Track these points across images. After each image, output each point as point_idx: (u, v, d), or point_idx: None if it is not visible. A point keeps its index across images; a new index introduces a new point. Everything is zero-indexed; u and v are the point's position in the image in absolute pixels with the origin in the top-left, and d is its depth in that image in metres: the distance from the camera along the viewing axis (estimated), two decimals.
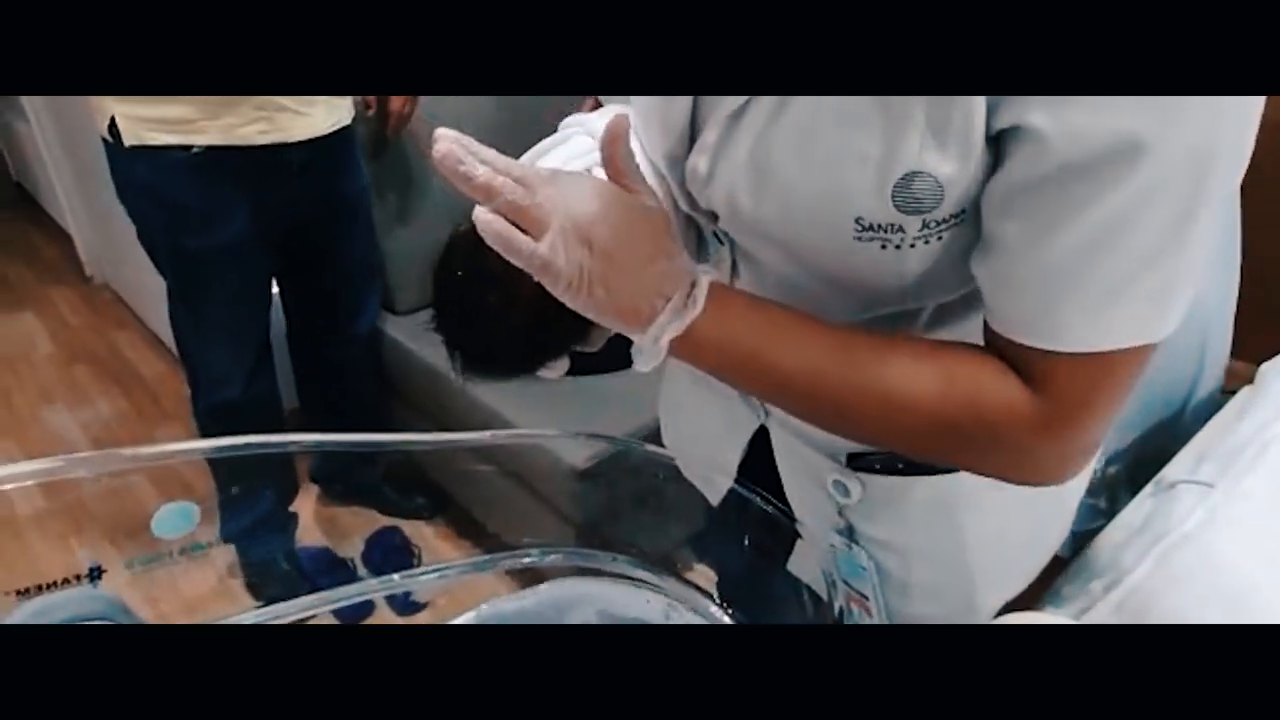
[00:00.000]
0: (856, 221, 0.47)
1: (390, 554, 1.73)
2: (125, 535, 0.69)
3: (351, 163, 1.53)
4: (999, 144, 0.44)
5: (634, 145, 0.61)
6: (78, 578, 0.62)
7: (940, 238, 0.47)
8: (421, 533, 1.82)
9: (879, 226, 0.47)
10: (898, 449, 0.56)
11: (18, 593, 0.59)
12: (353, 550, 1.75)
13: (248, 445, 0.69)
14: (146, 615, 0.69)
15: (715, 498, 0.82)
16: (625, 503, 1.22)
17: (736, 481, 0.75)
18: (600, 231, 0.47)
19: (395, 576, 0.86)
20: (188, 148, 1.29)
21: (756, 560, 0.80)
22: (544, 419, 1.47)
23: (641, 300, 0.48)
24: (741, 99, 0.50)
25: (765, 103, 0.49)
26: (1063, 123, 0.40)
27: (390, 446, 0.88)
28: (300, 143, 1.37)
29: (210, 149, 1.30)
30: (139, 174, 1.32)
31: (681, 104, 0.54)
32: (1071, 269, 0.43)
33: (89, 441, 2.09)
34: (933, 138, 0.44)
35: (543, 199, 0.46)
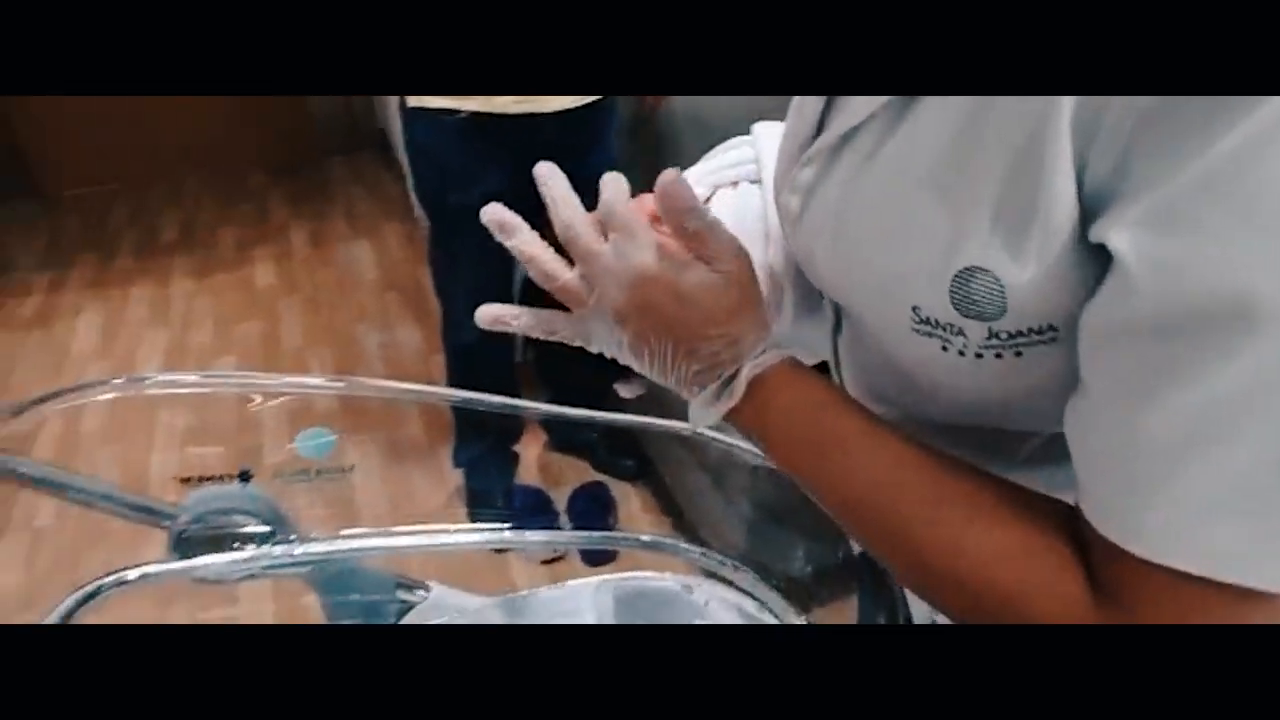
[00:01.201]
0: (914, 311, 0.41)
1: (592, 505, 1.84)
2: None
3: (604, 137, 1.60)
4: (1100, 263, 0.34)
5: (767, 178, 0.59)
6: (230, 476, 0.73)
7: (1019, 353, 0.39)
8: (624, 491, 1.90)
9: (936, 323, 0.40)
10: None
11: (182, 480, 0.72)
12: (561, 495, 1.88)
13: (467, 399, 0.81)
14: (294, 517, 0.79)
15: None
16: (792, 510, 1.19)
17: None
18: (633, 319, 0.46)
19: (590, 534, 0.92)
20: (455, 112, 1.43)
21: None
22: None
23: (678, 382, 0.47)
24: (839, 134, 0.45)
25: (863, 143, 0.44)
26: (1149, 255, 0.31)
27: (577, 419, 0.93)
28: (554, 114, 1.47)
29: (474, 114, 1.44)
30: (417, 132, 1.50)
31: (802, 135, 0.50)
32: (1164, 456, 0.33)
33: (382, 360, 2.43)
34: (1004, 231, 0.36)
35: (574, 278, 0.48)
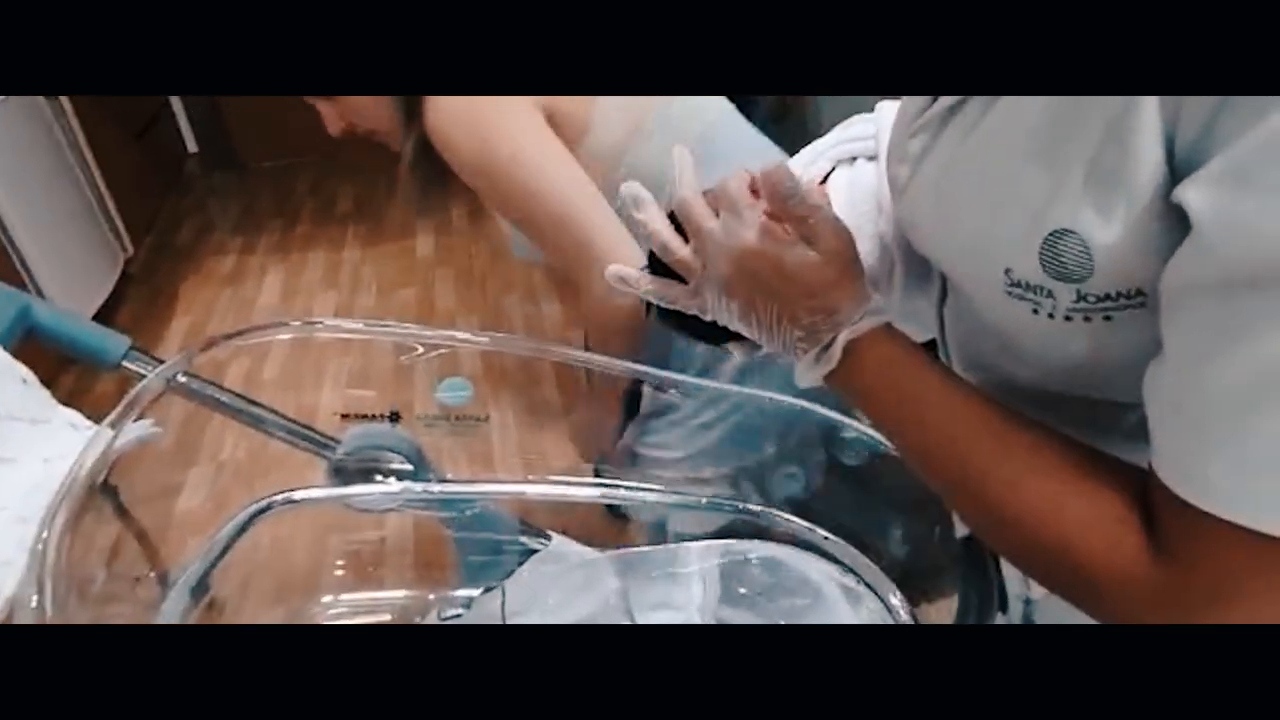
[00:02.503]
0: (1006, 273, 0.43)
1: None
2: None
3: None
4: (1184, 227, 0.35)
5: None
6: (381, 416, 0.82)
7: (1108, 318, 0.40)
8: None
9: (1027, 285, 0.42)
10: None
11: (341, 416, 0.82)
12: None
13: (597, 361, 0.94)
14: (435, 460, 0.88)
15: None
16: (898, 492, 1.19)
17: None
18: (740, 289, 0.50)
19: (701, 499, 0.98)
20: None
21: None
22: None
23: (783, 346, 0.51)
24: (947, 106, 0.48)
25: (969, 114, 0.47)
26: (1220, 213, 0.32)
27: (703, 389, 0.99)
28: None
29: None
30: None
31: (915, 108, 0.53)
32: (1233, 411, 0.34)
33: (525, 331, 2.56)
34: (1093, 194, 0.38)
35: (687, 252, 0.53)
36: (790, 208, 0.48)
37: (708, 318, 0.55)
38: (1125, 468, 0.41)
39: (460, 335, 0.86)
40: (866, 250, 0.64)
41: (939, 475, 0.46)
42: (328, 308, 2.78)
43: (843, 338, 0.48)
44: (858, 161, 0.67)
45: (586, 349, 0.98)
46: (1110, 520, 0.39)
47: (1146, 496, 0.39)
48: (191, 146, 3.82)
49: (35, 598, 0.48)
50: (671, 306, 0.56)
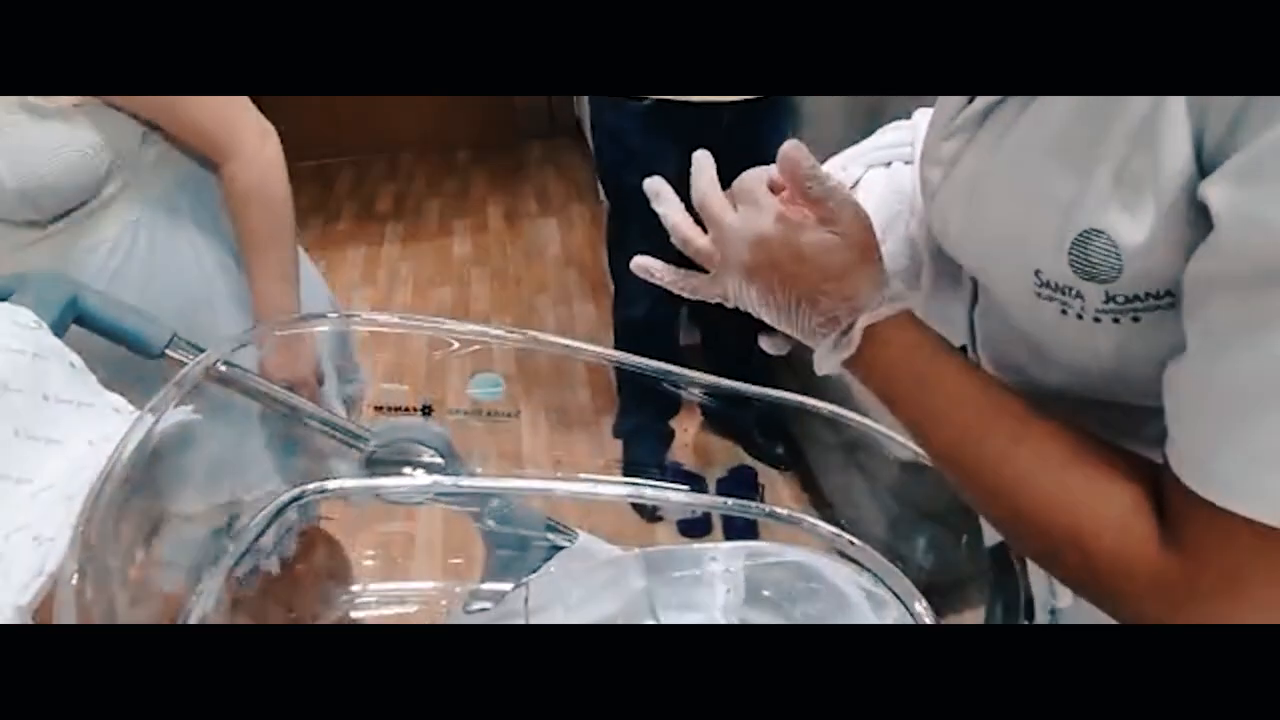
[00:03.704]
0: (1036, 274, 0.43)
1: (741, 488, 1.88)
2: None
3: (781, 125, 1.63)
4: (1209, 225, 0.36)
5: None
6: (414, 409, 0.84)
7: (1136, 319, 0.40)
8: (771, 478, 1.93)
9: (1056, 286, 0.42)
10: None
11: (375, 408, 0.84)
12: (712, 477, 1.93)
13: (630, 362, 0.92)
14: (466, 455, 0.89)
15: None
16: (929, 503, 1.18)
17: None
18: (759, 275, 0.50)
19: (727, 500, 0.98)
20: (641, 98, 1.51)
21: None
22: None
23: (802, 332, 0.51)
24: (981, 110, 0.48)
25: (1003, 117, 0.47)
26: (1241, 206, 0.33)
27: (736, 392, 0.99)
28: (732, 103, 1.51)
29: (658, 102, 1.51)
30: (604, 116, 1.59)
31: (948, 112, 0.53)
32: (1246, 405, 0.34)
33: (557, 331, 2.58)
34: (1122, 194, 0.38)
35: (706, 242, 0.53)
36: (809, 189, 0.48)
37: (730, 304, 0.55)
38: (1141, 460, 0.41)
39: (494, 331, 0.88)
40: (898, 251, 0.64)
41: (954, 463, 0.46)
42: (365, 304, 2.82)
43: (862, 322, 0.48)
44: (894, 165, 0.67)
45: (616, 349, 0.99)
46: (1123, 510, 0.40)
47: (1160, 489, 0.39)
48: None
49: (75, 575, 0.49)
50: (694, 297, 0.56)
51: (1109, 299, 0.40)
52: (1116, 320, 0.41)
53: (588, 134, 3.53)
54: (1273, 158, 0.31)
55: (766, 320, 0.53)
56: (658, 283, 0.57)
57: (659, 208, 0.55)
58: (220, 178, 1.03)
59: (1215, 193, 0.33)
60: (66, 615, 0.48)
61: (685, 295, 0.57)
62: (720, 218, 0.52)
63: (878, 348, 0.48)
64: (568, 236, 3.16)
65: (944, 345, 0.48)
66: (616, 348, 1.91)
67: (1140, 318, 0.40)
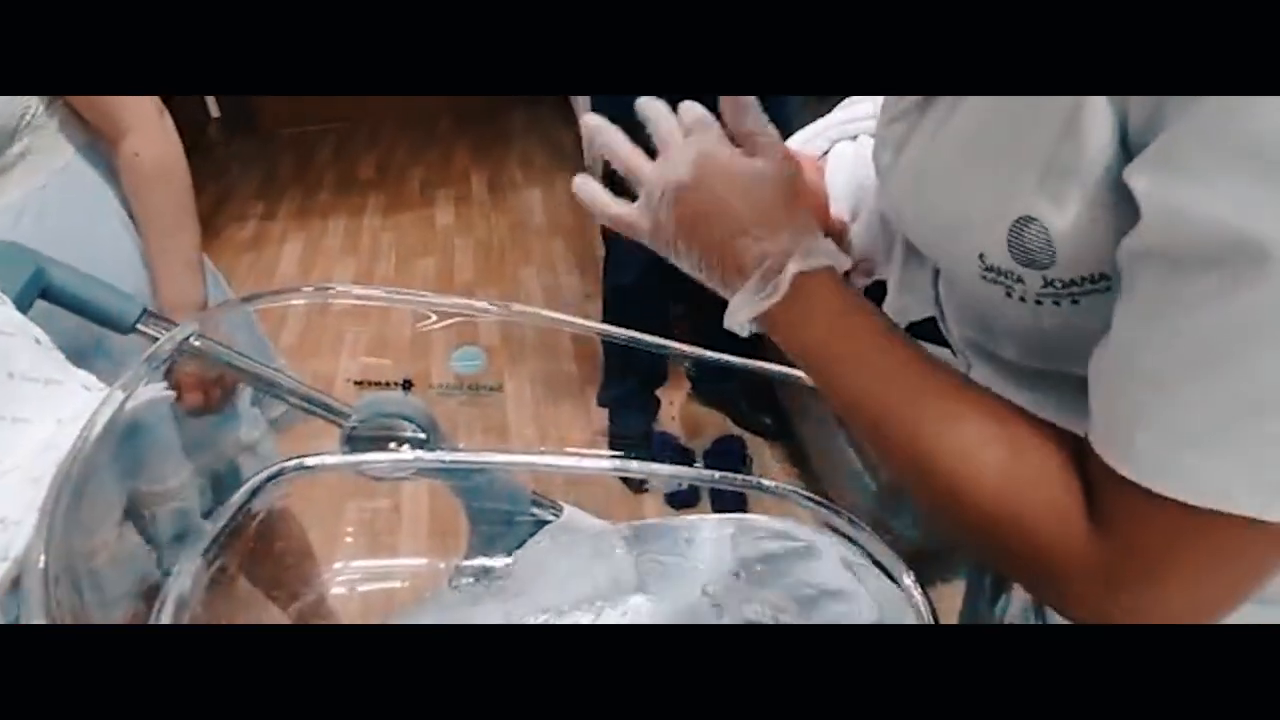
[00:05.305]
0: (980, 259, 0.43)
1: (727, 458, 1.88)
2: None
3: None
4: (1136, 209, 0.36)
5: None
6: (394, 384, 0.82)
7: (1076, 301, 0.41)
8: (759, 448, 1.93)
9: (999, 270, 0.42)
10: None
11: (355, 383, 0.82)
12: (699, 447, 1.93)
13: (615, 333, 0.89)
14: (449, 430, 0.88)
15: None
16: None
17: None
18: (690, 198, 0.49)
19: (715, 474, 0.97)
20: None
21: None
22: None
23: (728, 272, 0.49)
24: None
25: (945, 102, 0.47)
26: (1163, 197, 0.33)
27: (723, 364, 0.98)
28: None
29: None
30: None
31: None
32: (1158, 382, 0.35)
33: (543, 302, 2.56)
34: (1049, 182, 0.39)
35: (642, 165, 0.52)
36: (744, 119, 0.48)
37: (647, 242, 0.52)
38: (1067, 436, 0.41)
39: (477, 304, 0.86)
40: (870, 222, 0.64)
41: (877, 436, 0.45)
42: (347, 275, 2.78)
43: (792, 266, 0.46)
44: (860, 138, 0.66)
45: (604, 321, 0.98)
46: (1055, 488, 0.39)
47: (1085, 464, 0.39)
48: (214, 111, 3.82)
49: (43, 559, 0.48)
50: (619, 228, 0.53)
51: (1047, 284, 0.41)
52: (1057, 303, 0.41)
53: (574, 100, 3.49)
54: (1186, 146, 0.32)
55: (687, 267, 0.51)
56: (588, 202, 0.54)
57: (599, 139, 0.53)
58: (117, 153, 0.98)
59: (1138, 178, 0.34)
60: (34, 601, 0.46)
61: (613, 229, 0.54)
62: (669, 137, 0.51)
63: (804, 301, 0.46)
64: (552, 205, 3.12)
65: (869, 307, 0.47)
66: (606, 315, 1.91)
67: (1080, 300, 0.40)
